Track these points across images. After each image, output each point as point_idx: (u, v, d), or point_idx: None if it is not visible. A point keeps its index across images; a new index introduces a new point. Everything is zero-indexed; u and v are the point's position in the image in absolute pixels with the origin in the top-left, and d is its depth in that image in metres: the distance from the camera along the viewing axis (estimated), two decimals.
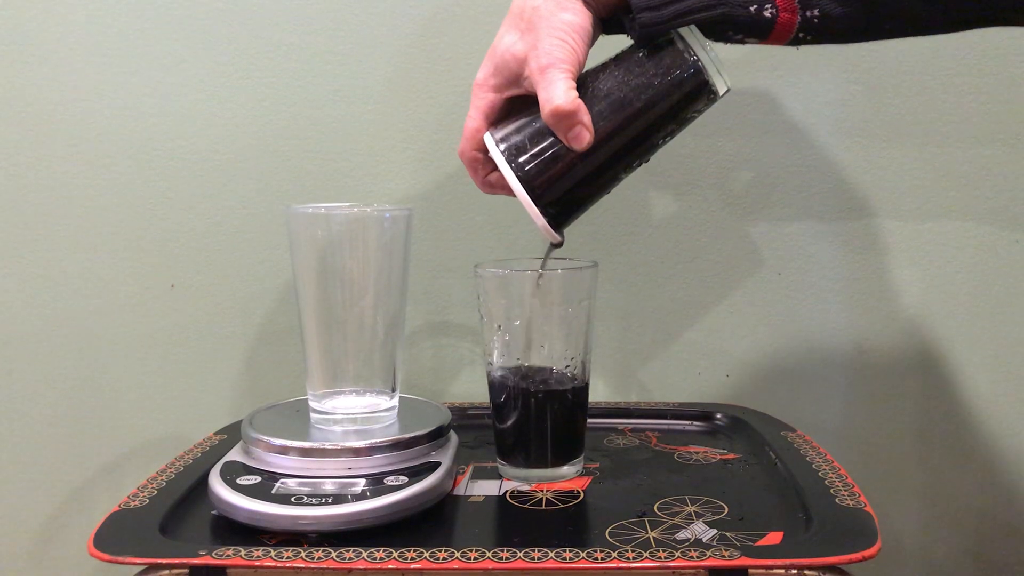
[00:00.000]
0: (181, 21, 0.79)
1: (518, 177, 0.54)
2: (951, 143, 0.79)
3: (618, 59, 0.55)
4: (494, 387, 0.62)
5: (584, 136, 0.53)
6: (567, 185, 0.55)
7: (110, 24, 0.79)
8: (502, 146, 0.55)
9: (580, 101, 0.52)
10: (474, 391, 0.83)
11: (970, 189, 0.80)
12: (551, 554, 0.48)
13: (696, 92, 0.54)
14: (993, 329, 0.81)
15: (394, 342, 0.62)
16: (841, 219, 0.81)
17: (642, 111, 0.53)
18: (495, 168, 0.56)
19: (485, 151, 0.57)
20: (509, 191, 0.55)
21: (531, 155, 0.54)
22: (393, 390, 0.63)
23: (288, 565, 0.47)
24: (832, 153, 0.80)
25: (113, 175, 0.80)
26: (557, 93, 0.51)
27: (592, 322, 0.62)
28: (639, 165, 0.56)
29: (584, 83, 0.54)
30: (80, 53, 0.79)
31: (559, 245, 0.58)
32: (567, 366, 0.61)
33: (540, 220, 0.54)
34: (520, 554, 0.48)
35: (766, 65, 0.79)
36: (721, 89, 0.54)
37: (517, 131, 0.55)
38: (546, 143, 0.54)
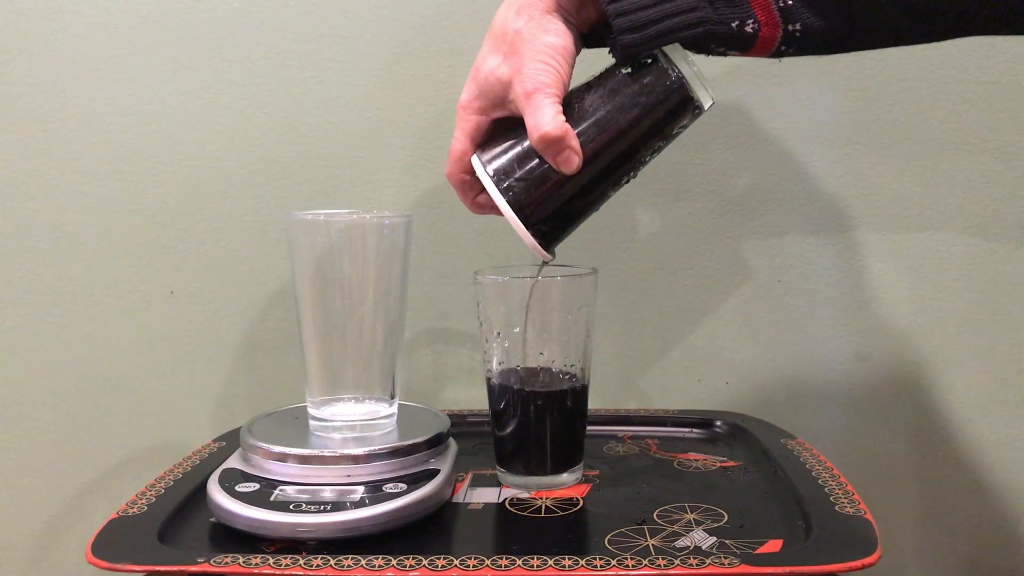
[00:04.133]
0: (180, 28, 0.79)
1: (507, 200, 0.54)
2: (948, 152, 0.79)
3: (601, 77, 0.55)
4: (493, 394, 0.62)
5: (573, 160, 0.53)
6: (555, 205, 0.55)
7: (109, 32, 0.79)
8: (489, 169, 0.55)
9: (568, 126, 0.52)
10: (473, 398, 0.82)
11: (968, 198, 0.80)
12: (550, 562, 0.48)
13: (680, 107, 0.54)
14: (991, 337, 0.81)
15: (393, 349, 0.62)
16: (840, 228, 0.81)
17: (628, 129, 0.54)
18: (484, 189, 0.56)
19: (473, 173, 0.57)
20: (498, 212, 0.55)
21: (518, 177, 0.54)
22: (392, 397, 0.63)
23: (287, 573, 0.47)
24: (830, 162, 0.80)
25: (112, 182, 0.81)
26: (545, 119, 0.51)
27: (592, 329, 0.62)
28: (627, 181, 0.57)
29: (569, 104, 0.54)
30: (78, 61, 0.79)
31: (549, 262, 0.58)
32: (566, 373, 0.61)
33: (530, 240, 0.55)
34: (519, 562, 0.48)
35: (763, 75, 0.79)
36: (706, 103, 0.54)
37: (504, 153, 0.55)
38: (533, 164, 0.54)
